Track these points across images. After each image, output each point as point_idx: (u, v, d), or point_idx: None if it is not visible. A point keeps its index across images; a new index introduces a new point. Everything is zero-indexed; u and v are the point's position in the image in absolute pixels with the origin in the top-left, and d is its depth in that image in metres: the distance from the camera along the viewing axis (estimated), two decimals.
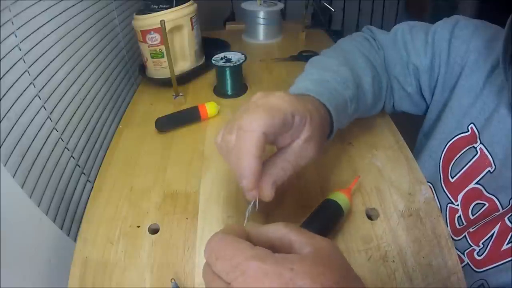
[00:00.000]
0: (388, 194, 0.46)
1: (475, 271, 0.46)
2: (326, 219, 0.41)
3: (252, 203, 0.33)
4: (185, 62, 0.75)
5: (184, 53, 0.74)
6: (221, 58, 0.67)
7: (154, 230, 0.44)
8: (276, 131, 0.32)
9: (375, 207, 0.45)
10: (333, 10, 1.13)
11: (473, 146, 0.48)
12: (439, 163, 0.53)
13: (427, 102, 0.59)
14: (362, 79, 0.51)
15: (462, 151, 0.50)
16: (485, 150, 0.46)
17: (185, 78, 0.74)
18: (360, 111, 0.51)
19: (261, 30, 0.96)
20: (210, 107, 0.61)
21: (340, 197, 0.42)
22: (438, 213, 0.44)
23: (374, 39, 0.60)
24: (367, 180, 0.48)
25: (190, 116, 0.61)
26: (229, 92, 0.70)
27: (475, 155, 0.47)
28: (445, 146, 0.53)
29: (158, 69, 0.72)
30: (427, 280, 0.38)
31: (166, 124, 0.60)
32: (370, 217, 0.44)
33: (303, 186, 0.48)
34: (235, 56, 0.68)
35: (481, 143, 0.47)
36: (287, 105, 0.33)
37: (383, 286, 0.37)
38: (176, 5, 0.67)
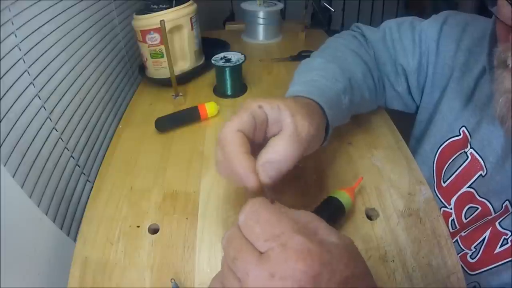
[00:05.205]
0: (388, 194, 0.47)
1: (468, 273, 0.46)
2: (328, 216, 0.41)
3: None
4: (184, 62, 0.75)
5: (183, 53, 0.74)
6: (221, 58, 0.67)
7: (154, 230, 0.44)
8: (250, 126, 0.32)
9: (374, 207, 0.45)
10: (333, 10, 1.13)
11: (464, 151, 0.47)
12: (433, 168, 0.53)
13: (416, 102, 0.58)
14: (353, 72, 0.50)
15: (454, 156, 0.49)
16: (475, 154, 0.46)
17: (185, 78, 0.74)
18: (357, 103, 0.50)
19: (260, 30, 0.96)
20: (209, 107, 0.62)
21: (343, 196, 0.42)
22: (437, 213, 0.44)
23: (364, 36, 0.59)
24: (367, 180, 0.48)
25: (190, 116, 0.61)
26: (229, 92, 0.70)
27: (466, 159, 0.47)
28: (437, 150, 0.52)
29: (158, 69, 0.72)
30: (426, 280, 0.38)
31: (166, 124, 0.60)
32: (370, 217, 0.44)
33: (302, 186, 0.48)
34: (234, 56, 0.68)
35: (471, 147, 0.46)
36: (252, 101, 0.34)
37: (382, 286, 0.37)
38: (175, 5, 0.67)
